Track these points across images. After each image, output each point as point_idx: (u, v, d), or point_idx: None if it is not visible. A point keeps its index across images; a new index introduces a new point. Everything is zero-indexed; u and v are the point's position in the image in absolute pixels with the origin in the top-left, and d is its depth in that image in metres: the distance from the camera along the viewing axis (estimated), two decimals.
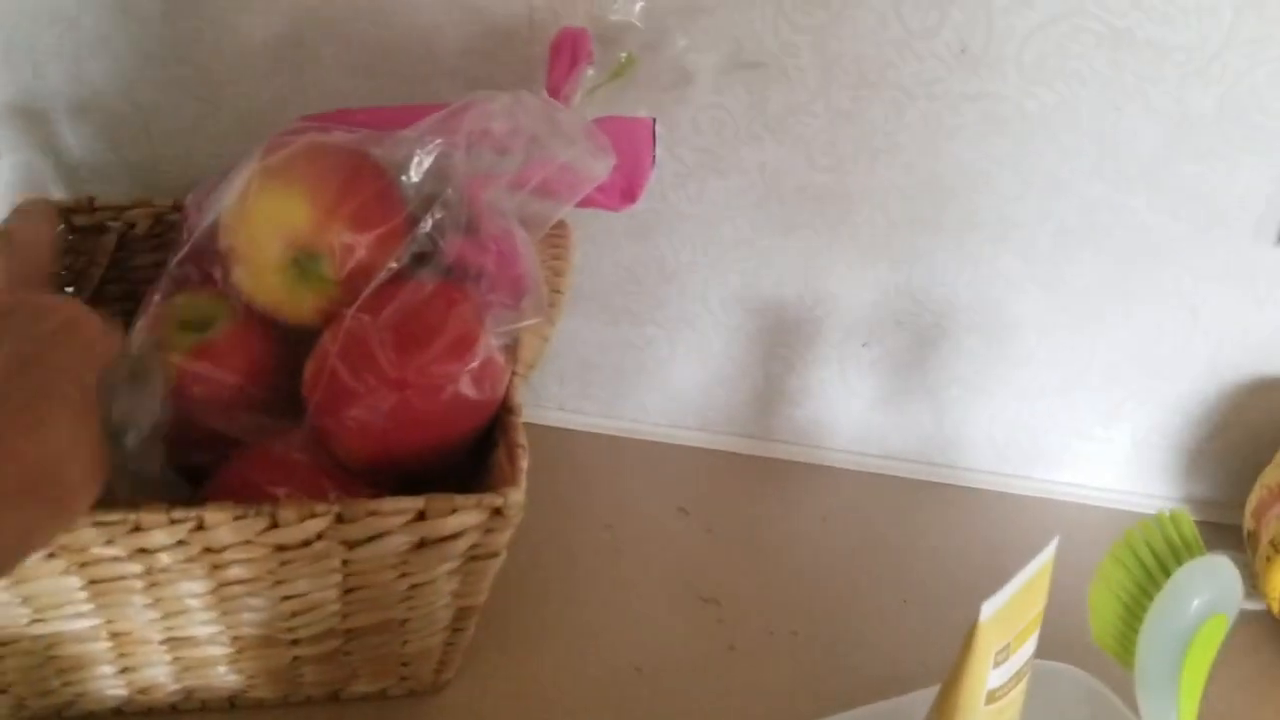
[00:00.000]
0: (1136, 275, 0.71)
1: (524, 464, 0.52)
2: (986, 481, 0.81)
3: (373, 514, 0.49)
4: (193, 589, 0.51)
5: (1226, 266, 0.70)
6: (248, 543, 0.49)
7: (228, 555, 0.49)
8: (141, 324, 0.58)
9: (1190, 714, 0.51)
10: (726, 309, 0.76)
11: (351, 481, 0.56)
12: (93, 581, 0.51)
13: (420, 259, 0.56)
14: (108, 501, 0.45)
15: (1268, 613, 0.67)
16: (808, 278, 0.74)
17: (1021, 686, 0.52)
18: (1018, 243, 0.71)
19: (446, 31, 0.68)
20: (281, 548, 0.49)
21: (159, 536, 0.48)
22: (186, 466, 0.57)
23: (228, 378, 0.57)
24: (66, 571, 0.50)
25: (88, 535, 0.48)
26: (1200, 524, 0.57)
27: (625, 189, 0.63)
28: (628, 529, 0.75)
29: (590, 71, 0.63)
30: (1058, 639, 0.53)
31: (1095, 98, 0.65)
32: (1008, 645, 0.49)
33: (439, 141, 0.57)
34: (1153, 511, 0.54)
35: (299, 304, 0.56)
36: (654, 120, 0.64)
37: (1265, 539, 0.67)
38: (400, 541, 0.51)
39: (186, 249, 0.58)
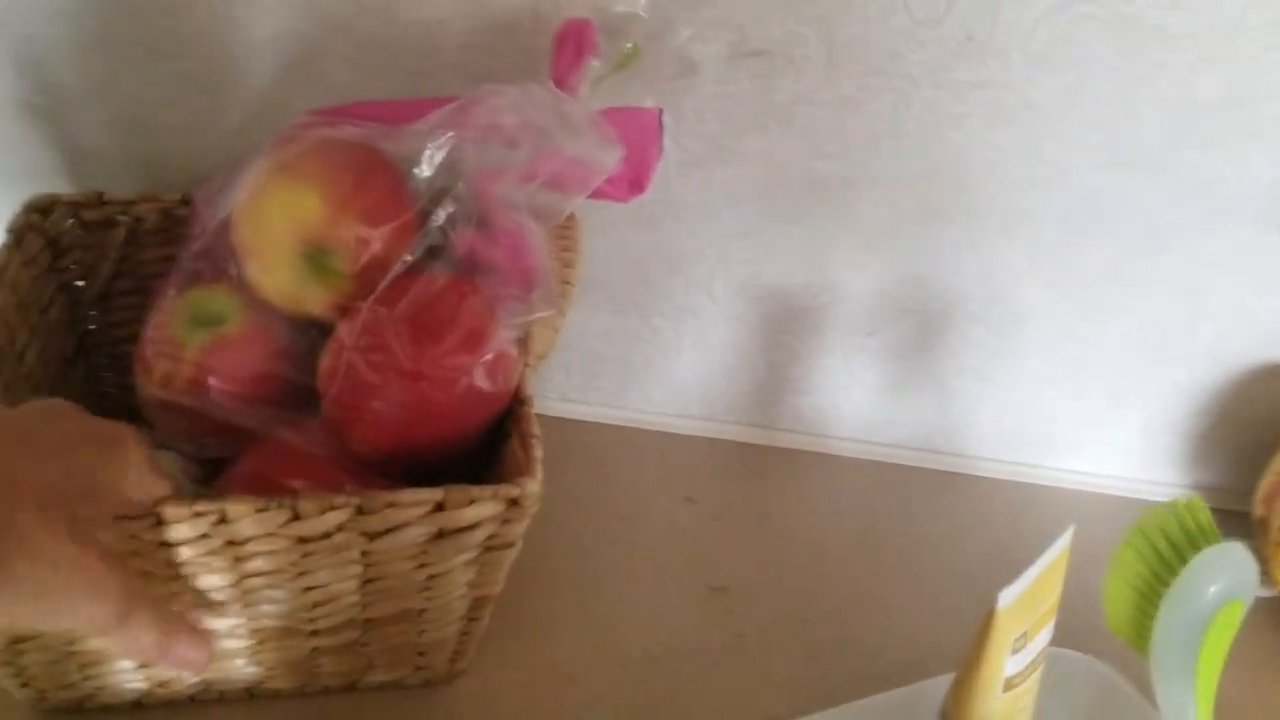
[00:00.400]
0: (1142, 263, 0.71)
1: (539, 454, 0.53)
2: (992, 470, 0.81)
3: (392, 505, 0.49)
4: (214, 582, 0.51)
5: (1233, 254, 0.70)
6: (269, 535, 0.49)
7: (249, 548, 0.49)
8: (155, 318, 0.58)
9: (1207, 700, 0.52)
10: (731, 298, 0.76)
11: (366, 473, 0.56)
12: None
13: (432, 253, 0.56)
14: None
15: (1278, 599, 0.68)
16: (813, 267, 0.74)
17: (1037, 674, 0.53)
18: (1023, 231, 0.71)
19: (451, 25, 0.67)
20: (303, 540, 0.50)
21: (182, 530, 0.48)
22: (201, 459, 0.58)
23: (241, 372, 0.57)
24: None
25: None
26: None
27: (633, 180, 0.63)
28: (635, 519, 0.75)
29: (596, 62, 0.63)
30: (1068, 626, 0.54)
31: (1102, 85, 0.65)
32: (1025, 633, 0.50)
33: (449, 135, 0.57)
34: (1160, 499, 0.54)
35: (311, 298, 0.57)
36: (661, 110, 0.64)
37: (1275, 525, 0.67)
38: (419, 532, 0.51)
39: (199, 244, 0.59)
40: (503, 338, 0.55)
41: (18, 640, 0.54)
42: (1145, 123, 0.66)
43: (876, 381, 0.78)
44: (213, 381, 0.57)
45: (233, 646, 0.56)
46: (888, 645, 0.67)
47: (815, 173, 0.70)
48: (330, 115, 0.61)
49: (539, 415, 0.81)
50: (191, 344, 0.58)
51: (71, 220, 0.67)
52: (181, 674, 0.58)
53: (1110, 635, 0.57)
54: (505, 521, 0.52)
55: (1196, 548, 0.52)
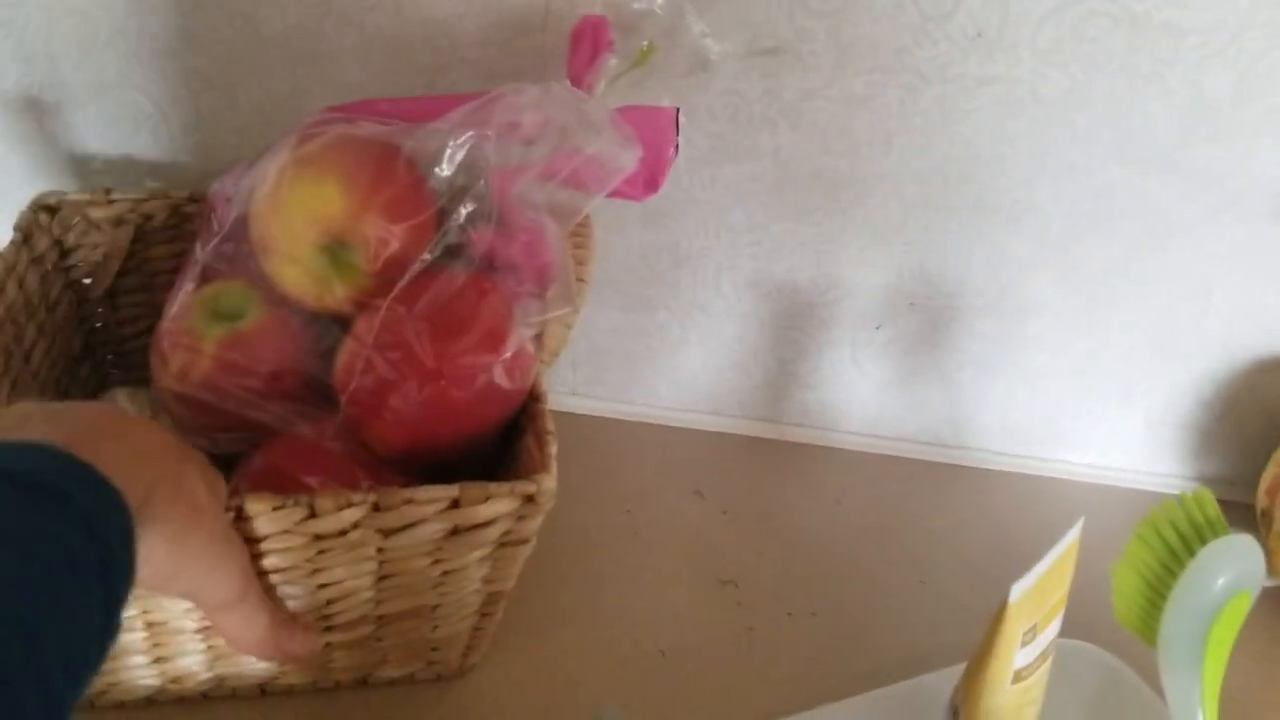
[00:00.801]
0: (1150, 257, 0.72)
1: (553, 450, 0.53)
2: (999, 463, 0.82)
3: (408, 502, 0.50)
4: None
5: (1240, 248, 0.70)
6: (285, 532, 0.49)
7: (265, 545, 0.50)
8: (172, 311, 0.58)
9: (1214, 689, 0.52)
10: (739, 293, 0.77)
11: (381, 469, 0.56)
12: None
13: (451, 251, 0.56)
14: None
15: None
16: (821, 262, 0.75)
17: (1046, 666, 0.53)
18: (1031, 225, 0.71)
19: (463, 22, 0.68)
20: (319, 537, 0.50)
21: None
22: (216, 454, 0.57)
23: (259, 367, 0.57)
24: None
25: None
26: None
27: (648, 179, 0.63)
28: (645, 513, 0.75)
29: (612, 60, 0.63)
30: (1075, 617, 0.54)
31: (1110, 81, 0.65)
32: (1035, 625, 0.50)
33: (470, 134, 0.57)
34: (1165, 491, 0.55)
35: (330, 293, 0.57)
36: (677, 109, 0.64)
37: (1279, 516, 0.68)
38: (434, 529, 0.51)
39: (217, 239, 0.59)
40: (521, 335, 0.56)
41: None
42: (1154, 119, 0.66)
43: (884, 376, 0.79)
44: (229, 377, 0.57)
45: None
46: (896, 638, 0.68)
47: (824, 169, 0.71)
48: (348, 112, 0.61)
49: (549, 410, 0.82)
50: (209, 337, 0.58)
51: (79, 218, 0.68)
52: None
53: (1117, 626, 0.57)
54: (520, 518, 0.52)
55: (1204, 540, 0.52)
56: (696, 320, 0.78)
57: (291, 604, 0.54)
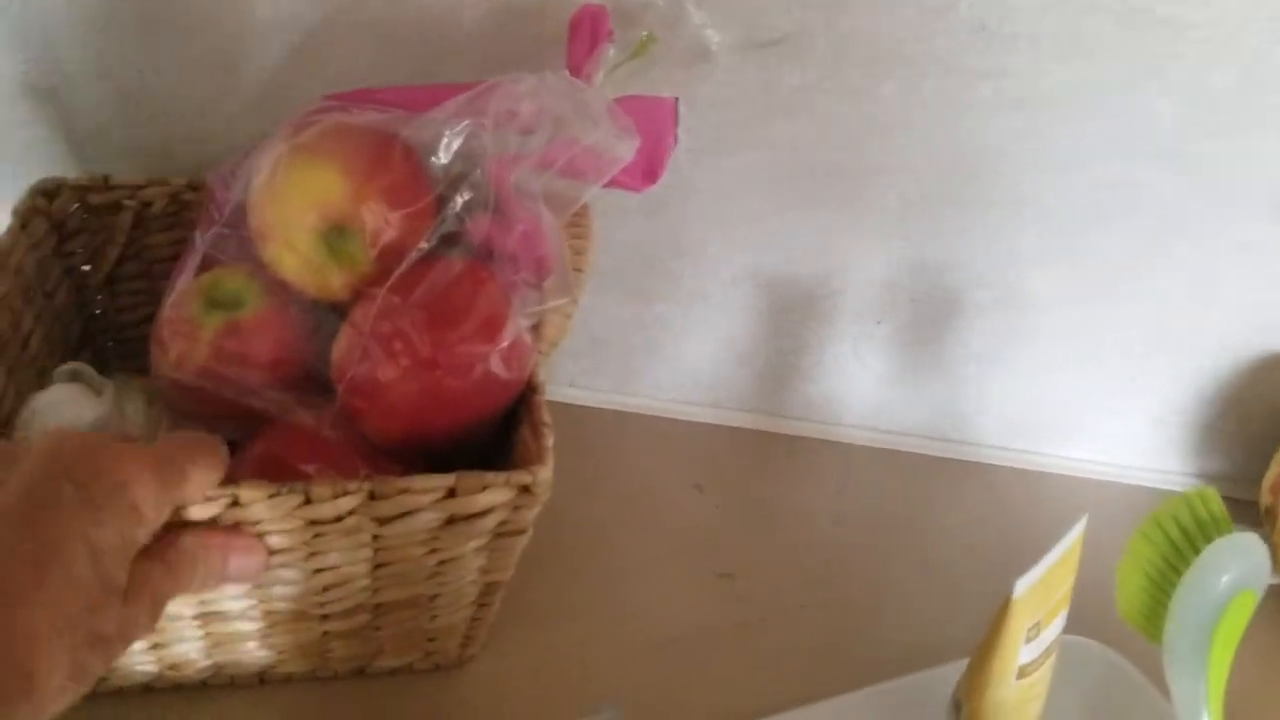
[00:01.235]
0: (1152, 251, 0.71)
1: (550, 442, 0.53)
2: (1000, 457, 0.81)
3: (404, 491, 0.49)
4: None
5: (1243, 243, 0.70)
6: (281, 519, 0.49)
7: (261, 529, 0.49)
8: (171, 299, 0.58)
9: (1218, 688, 0.52)
10: (739, 285, 0.76)
11: (379, 458, 0.56)
12: None
13: (448, 240, 0.56)
14: None
15: None
16: (821, 254, 0.74)
17: (1050, 661, 0.53)
18: (1033, 220, 0.71)
19: (461, 10, 0.67)
20: (314, 524, 0.50)
21: (194, 511, 0.48)
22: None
23: (257, 356, 0.57)
24: None
25: None
26: None
27: (646, 169, 0.63)
28: (644, 505, 0.75)
29: (611, 50, 0.63)
30: (1078, 613, 0.54)
31: (1113, 75, 0.65)
32: (1038, 622, 0.50)
33: (467, 123, 0.56)
34: (1167, 487, 0.55)
35: (328, 281, 0.56)
36: (676, 100, 0.63)
37: None
38: (430, 518, 0.51)
39: (216, 226, 0.58)
40: (518, 325, 0.55)
41: None
42: (1156, 112, 0.66)
43: (885, 369, 0.78)
44: (227, 365, 0.57)
45: (245, 629, 0.56)
46: (897, 632, 0.67)
47: (825, 161, 0.70)
48: (347, 100, 0.61)
49: (549, 402, 0.82)
50: (208, 325, 0.58)
51: (78, 204, 0.67)
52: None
53: (1121, 623, 0.57)
54: (517, 508, 0.52)
55: (1209, 538, 0.52)
56: (697, 312, 0.78)
57: (288, 590, 0.54)
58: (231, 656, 0.58)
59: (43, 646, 0.39)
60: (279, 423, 0.57)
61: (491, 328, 0.54)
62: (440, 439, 0.56)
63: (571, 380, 0.83)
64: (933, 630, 0.67)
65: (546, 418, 0.54)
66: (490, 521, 0.52)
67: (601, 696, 0.56)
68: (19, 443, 0.48)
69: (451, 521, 0.51)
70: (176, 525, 0.47)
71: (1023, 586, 0.48)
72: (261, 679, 0.60)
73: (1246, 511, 0.74)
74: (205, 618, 0.55)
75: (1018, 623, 0.49)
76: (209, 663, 0.58)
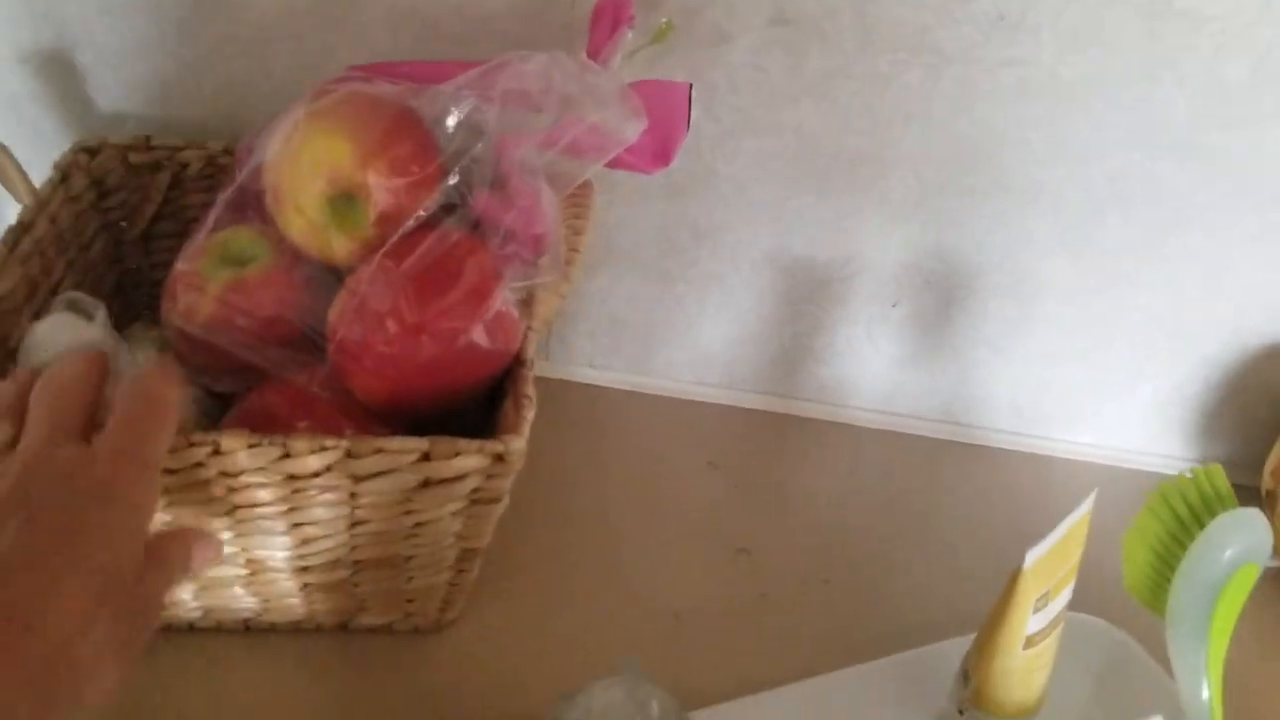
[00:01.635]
0: (1163, 240, 0.73)
1: (529, 414, 0.54)
2: (1008, 441, 0.83)
3: (380, 451, 0.51)
4: (210, 509, 0.54)
5: (1253, 232, 0.71)
6: (261, 470, 0.51)
7: (243, 480, 0.52)
8: (185, 253, 0.60)
9: (1218, 659, 0.54)
10: (756, 268, 0.78)
11: (368, 420, 0.58)
12: None
13: (447, 210, 0.58)
14: None
15: None
16: (838, 238, 0.76)
17: (1056, 633, 0.54)
18: (1047, 207, 0.72)
19: None
20: (294, 477, 0.52)
21: (180, 456, 0.50)
22: (215, 393, 0.61)
23: (258, 312, 0.59)
24: None
25: None
26: None
27: (658, 151, 0.64)
28: (658, 482, 0.77)
29: (630, 35, 0.64)
30: (1081, 592, 0.56)
31: (1129, 66, 0.66)
32: (1046, 593, 0.51)
33: (473, 98, 0.58)
34: (1171, 472, 0.56)
35: (333, 245, 0.58)
36: (690, 85, 0.65)
37: None
38: (406, 480, 0.53)
39: (233, 188, 0.60)
40: (505, 298, 0.57)
41: None
42: (1171, 104, 0.67)
43: (898, 352, 0.80)
44: (231, 319, 0.59)
45: (230, 575, 0.58)
46: (906, 608, 0.69)
47: (845, 146, 0.71)
48: (366, 72, 0.63)
49: (562, 381, 0.83)
50: (215, 280, 0.59)
51: (118, 162, 0.70)
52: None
53: (1124, 601, 0.59)
54: (491, 476, 0.54)
55: (1214, 513, 0.53)
56: (714, 293, 0.79)
57: (268, 539, 0.56)
58: (219, 601, 0.60)
59: (81, 624, 0.39)
60: (275, 379, 0.59)
61: (477, 299, 0.56)
62: (425, 404, 0.58)
63: (590, 360, 0.84)
64: (940, 607, 0.69)
65: (529, 391, 0.56)
66: (465, 487, 0.54)
67: (609, 666, 0.57)
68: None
69: (427, 485, 0.53)
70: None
71: (1033, 557, 0.49)
72: (247, 626, 0.62)
73: (1248, 496, 0.74)
74: None
75: (1027, 593, 0.50)
76: (197, 605, 0.60)
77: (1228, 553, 0.53)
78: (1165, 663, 0.57)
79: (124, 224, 0.72)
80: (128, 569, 0.42)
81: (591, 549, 0.71)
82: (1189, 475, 0.54)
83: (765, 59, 0.69)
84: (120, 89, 0.75)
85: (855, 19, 0.67)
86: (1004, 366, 0.80)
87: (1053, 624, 0.54)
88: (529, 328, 0.59)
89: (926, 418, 0.83)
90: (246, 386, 0.60)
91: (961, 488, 0.79)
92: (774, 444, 0.81)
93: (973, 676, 0.55)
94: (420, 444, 0.52)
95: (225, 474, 0.51)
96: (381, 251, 0.56)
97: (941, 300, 0.77)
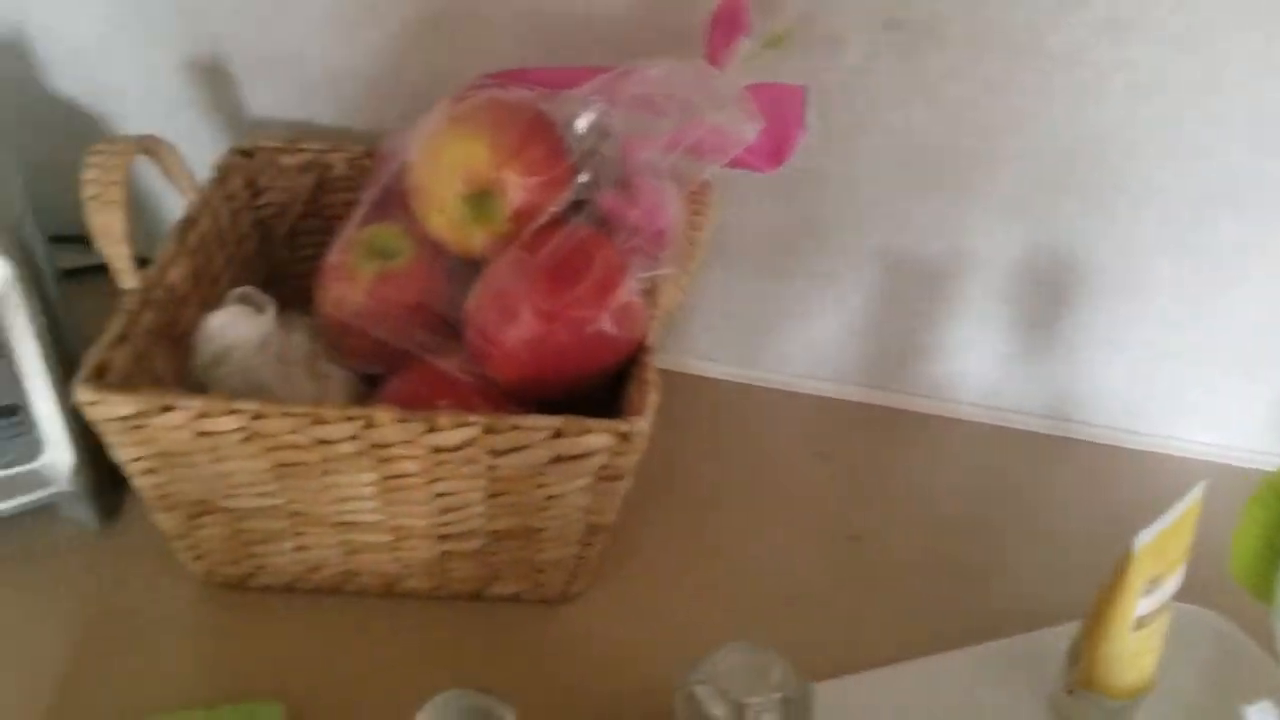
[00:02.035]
0: (1275, 238, 0.73)
1: (652, 397, 0.58)
2: (1115, 438, 0.83)
3: (516, 428, 0.56)
4: (362, 478, 0.59)
5: None
6: (409, 442, 0.56)
7: (392, 451, 0.56)
8: (336, 247, 0.66)
9: None
10: (867, 264, 0.80)
11: (502, 401, 0.62)
12: (279, 465, 0.58)
13: (576, 207, 0.62)
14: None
15: None
16: (949, 235, 0.77)
17: (1165, 618, 0.56)
18: (1159, 206, 0.73)
19: (615, 3, 0.72)
20: (437, 449, 0.56)
21: (336, 429, 0.55)
22: (362, 375, 0.67)
23: (404, 300, 0.65)
24: (258, 454, 0.57)
25: (278, 424, 0.55)
26: None
27: (773, 151, 0.67)
28: (769, 471, 0.79)
29: (747, 41, 0.67)
30: (1190, 585, 0.57)
31: (1241, 68, 0.67)
32: (1157, 577, 0.53)
33: (602, 102, 0.63)
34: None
35: (471, 238, 0.64)
36: (805, 88, 0.67)
37: None
38: (539, 455, 0.57)
39: (380, 187, 0.66)
40: (631, 288, 0.61)
41: (198, 514, 0.61)
42: None
43: (1008, 349, 0.81)
44: (379, 307, 0.65)
45: (375, 540, 0.63)
46: (1010, 597, 0.70)
47: (956, 146, 0.73)
48: (501, 79, 0.68)
49: (675, 371, 0.86)
50: (364, 272, 0.66)
51: (270, 164, 0.76)
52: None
53: (1234, 593, 0.59)
54: (616, 454, 0.58)
55: None
56: (824, 289, 0.82)
57: (413, 509, 0.60)
58: (365, 566, 0.65)
59: None
60: (418, 362, 0.64)
61: (605, 289, 0.60)
62: (554, 387, 0.62)
63: (705, 353, 0.87)
64: (1045, 597, 0.70)
65: (652, 376, 0.60)
66: (593, 464, 0.58)
67: (718, 643, 0.60)
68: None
69: (558, 460, 0.57)
70: None
71: (1143, 540, 0.51)
72: (388, 590, 0.67)
73: None
74: (342, 525, 0.62)
75: (1137, 575, 0.52)
76: (344, 568, 0.65)
77: None
78: (1273, 651, 0.57)
79: (273, 222, 0.77)
80: None
81: (706, 533, 0.74)
82: None
83: (878, 62, 0.71)
84: (268, 95, 0.81)
85: (967, 23, 0.69)
86: (1114, 364, 0.80)
87: (1163, 608, 0.55)
88: (652, 317, 0.63)
89: (1034, 413, 0.84)
90: (390, 369, 0.65)
91: (1071, 484, 0.80)
92: (882, 436, 0.83)
93: (1082, 657, 0.57)
94: (553, 422, 0.56)
95: (377, 446, 0.56)
96: (516, 244, 0.61)
97: (1052, 298, 0.78)
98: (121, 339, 0.58)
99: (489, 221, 0.62)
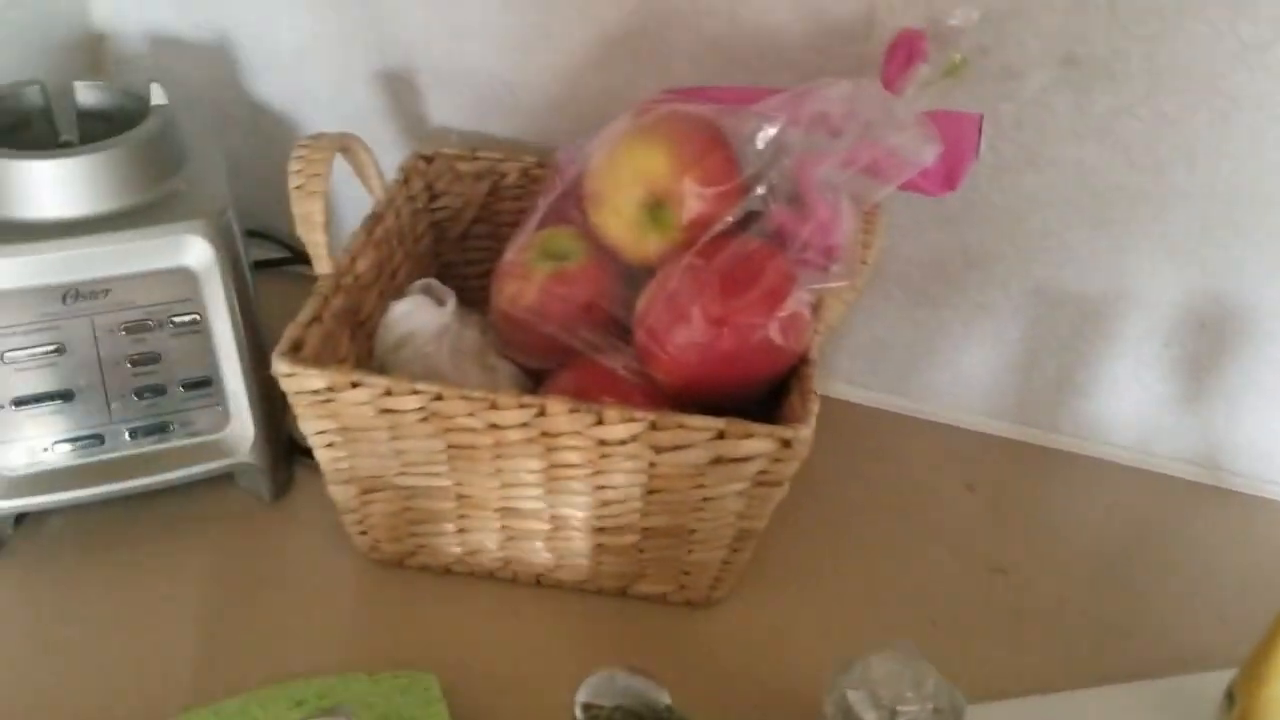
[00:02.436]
0: None
1: (814, 407, 0.59)
2: (1271, 491, 0.81)
3: (680, 426, 0.57)
4: (528, 465, 0.61)
5: None
6: (577, 433, 0.58)
7: (560, 441, 0.59)
8: (513, 246, 0.70)
9: None
10: (1026, 298, 0.80)
11: (664, 402, 0.64)
12: (452, 446, 0.61)
13: (749, 219, 0.64)
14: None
15: None
16: (1112, 274, 0.77)
17: None
18: None
19: (791, 28, 0.74)
20: (602, 442, 0.58)
21: (510, 415, 0.58)
22: (530, 369, 0.71)
23: (577, 299, 0.68)
24: (434, 434, 0.60)
25: (455, 406, 0.58)
26: None
27: (946, 175, 0.68)
28: (914, 496, 0.80)
29: (924, 69, 0.68)
30: None
31: None
32: None
33: (781, 120, 0.65)
34: None
35: (644, 244, 0.66)
36: (981, 116, 0.68)
37: None
38: (700, 455, 0.58)
39: (558, 192, 0.70)
40: (799, 300, 0.63)
41: (370, 490, 0.64)
42: None
43: (1166, 392, 0.80)
44: (552, 305, 0.67)
45: (534, 528, 0.65)
46: (1158, 641, 0.69)
47: (1126, 183, 0.73)
48: (681, 95, 0.71)
49: (826, 396, 0.87)
50: (539, 271, 0.69)
51: (448, 170, 0.80)
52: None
53: None
54: (776, 460, 0.59)
55: None
56: (979, 321, 0.82)
57: (574, 498, 0.62)
58: (520, 554, 0.67)
59: None
60: (586, 359, 0.67)
61: (774, 298, 0.62)
62: (717, 391, 0.64)
63: (851, 378, 0.88)
64: (1190, 644, 0.69)
65: (815, 388, 0.61)
66: (752, 468, 0.59)
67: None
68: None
69: (718, 462, 0.59)
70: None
71: None
72: (539, 581, 0.69)
73: None
74: (504, 511, 0.64)
75: None
76: (501, 555, 0.67)
77: None
78: None
79: (447, 224, 0.81)
80: None
81: (848, 552, 0.74)
82: None
83: (1053, 96, 0.72)
84: (449, 106, 0.85)
85: (1144, 61, 0.69)
86: (1274, 413, 0.79)
87: None
88: (816, 330, 0.64)
89: (1189, 460, 0.82)
90: (557, 365, 0.68)
91: (1225, 533, 0.78)
92: (1032, 473, 0.83)
93: (1239, 701, 0.55)
94: (717, 423, 0.57)
95: (546, 434, 0.58)
96: (691, 251, 0.63)
97: (1217, 343, 0.77)
98: (315, 319, 0.62)
99: (664, 229, 0.65)
